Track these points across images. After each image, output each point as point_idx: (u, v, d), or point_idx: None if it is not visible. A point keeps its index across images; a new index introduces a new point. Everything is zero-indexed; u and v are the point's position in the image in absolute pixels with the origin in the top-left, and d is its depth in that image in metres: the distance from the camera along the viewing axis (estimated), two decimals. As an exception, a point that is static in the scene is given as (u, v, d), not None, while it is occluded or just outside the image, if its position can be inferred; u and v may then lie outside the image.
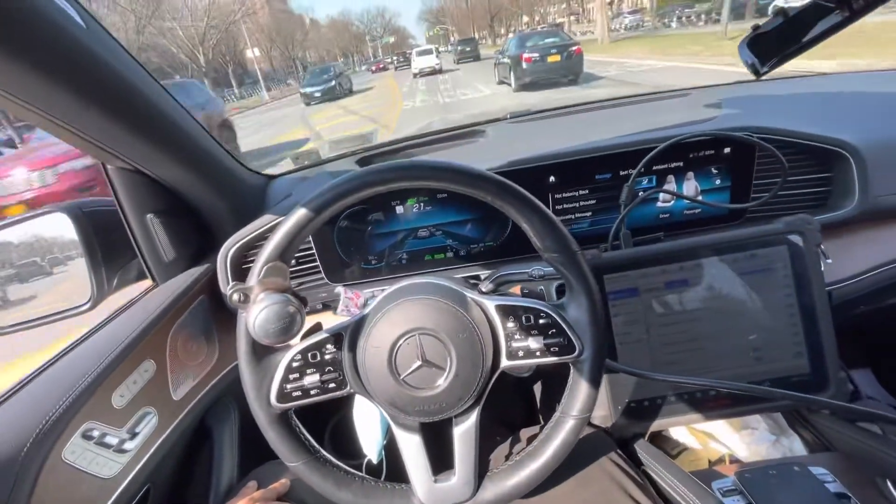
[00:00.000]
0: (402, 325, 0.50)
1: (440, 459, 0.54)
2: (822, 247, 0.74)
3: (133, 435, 0.62)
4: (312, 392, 0.51)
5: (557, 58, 9.52)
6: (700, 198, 0.83)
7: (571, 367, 0.54)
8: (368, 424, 0.75)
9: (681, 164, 0.81)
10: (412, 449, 0.54)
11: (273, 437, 0.51)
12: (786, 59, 0.47)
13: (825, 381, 0.73)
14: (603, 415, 0.74)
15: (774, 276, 0.74)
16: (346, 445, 0.87)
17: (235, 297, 0.46)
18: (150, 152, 0.66)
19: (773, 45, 0.49)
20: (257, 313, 0.45)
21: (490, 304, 0.53)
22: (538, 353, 0.52)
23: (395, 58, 45.11)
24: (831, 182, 0.83)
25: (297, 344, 0.52)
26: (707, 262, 0.74)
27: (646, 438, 0.77)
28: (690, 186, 0.83)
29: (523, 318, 0.52)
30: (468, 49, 27.09)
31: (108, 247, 0.77)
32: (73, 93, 0.50)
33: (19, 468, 0.48)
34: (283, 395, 0.50)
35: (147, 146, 0.65)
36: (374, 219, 0.85)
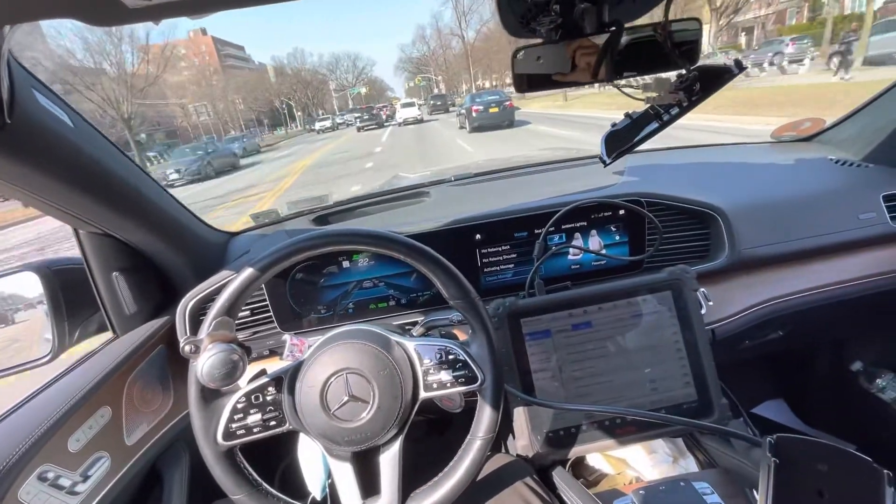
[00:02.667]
0: (332, 365, 0.59)
1: (370, 485, 0.62)
2: (705, 291, 0.89)
3: (85, 478, 0.67)
4: (255, 430, 0.59)
5: (496, 109, 13.74)
6: (604, 251, 0.98)
7: (477, 395, 0.64)
8: (312, 464, 0.82)
9: (584, 223, 0.97)
10: (344, 476, 0.62)
11: (219, 472, 0.58)
12: (622, 155, 0.63)
13: (710, 406, 0.85)
14: (524, 444, 0.83)
15: (662, 317, 0.88)
16: (294, 486, 0.92)
17: (187, 348, 0.55)
18: (119, 219, 0.76)
19: (618, 141, 0.65)
20: (205, 361, 0.54)
21: (410, 345, 0.64)
22: (448, 384, 0.62)
23: (358, 115, 29.05)
24: (709, 237, 1.00)
25: (242, 388, 0.60)
26: (606, 306, 0.87)
27: (566, 467, 0.86)
28: (594, 242, 0.98)
29: (437, 356, 0.63)
30: (439, 103, 32.93)
31: (72, 302, 0.84)
32: (61, 180, 0.60)
33: None
34: (229, 434, 0.58)
35: (116, 214, 0.75)
36: (325, 272, 0.95)
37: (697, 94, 0.57)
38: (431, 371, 0.63)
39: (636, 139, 0.62)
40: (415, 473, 0.65)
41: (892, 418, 1.19)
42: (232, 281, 0.58)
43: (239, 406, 0.59)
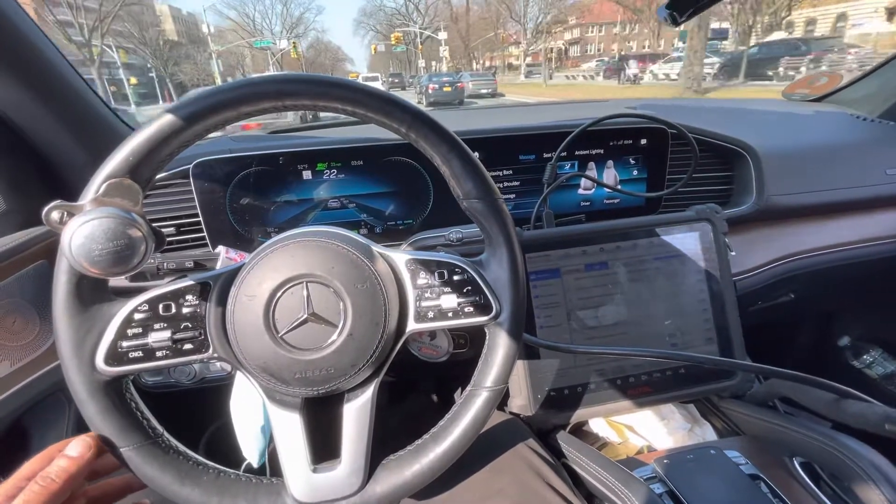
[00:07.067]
0: (286, 270, 0.40)
1: (326, 447, 0.44)
2: (727, 239, 0.77)
3: None
4: (159, 353, 0.39)
5: (449, 88, 16.08)
6: (619, 187, 0.83)
7: (487, 333, 0.47)
8: (249, 421, 0.62)
9: (601, 150, 0.82)
10: (288, 431, 0.43)
11: (92, 411, 0.37)
12: (699, 11, 0.47)
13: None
14: (522, 404, 0.68)
15: (686, 261, 0.75)
16: (224, 455, 0.72)
17: (55, 215, 0.34)
18: None
19: (688, 3, 0.50)
20: (76, 228, 0.33)
21: (399, 259, 0.45)
22: (450, 314, 0.45)
23: None
24: (733, 181, 0.89)
25: (146, 292, 0.40)
26: (625, 245, 0.73)
27: (567, 431, 0.72)
28: (610, 175, 0.84)
29: (436, 274, 0.45)
30: (396, 81, 35.67)
31: None
32: None
33: None
34: (116, 356, 0.38)
35: None
36: (279, 185, 0.74)
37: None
38: (427, 295, 0.45)
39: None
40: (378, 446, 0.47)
41: (879, 395, 1.15)
42: (141, 130, 0.37)
43: (138, 317, 0.38)
